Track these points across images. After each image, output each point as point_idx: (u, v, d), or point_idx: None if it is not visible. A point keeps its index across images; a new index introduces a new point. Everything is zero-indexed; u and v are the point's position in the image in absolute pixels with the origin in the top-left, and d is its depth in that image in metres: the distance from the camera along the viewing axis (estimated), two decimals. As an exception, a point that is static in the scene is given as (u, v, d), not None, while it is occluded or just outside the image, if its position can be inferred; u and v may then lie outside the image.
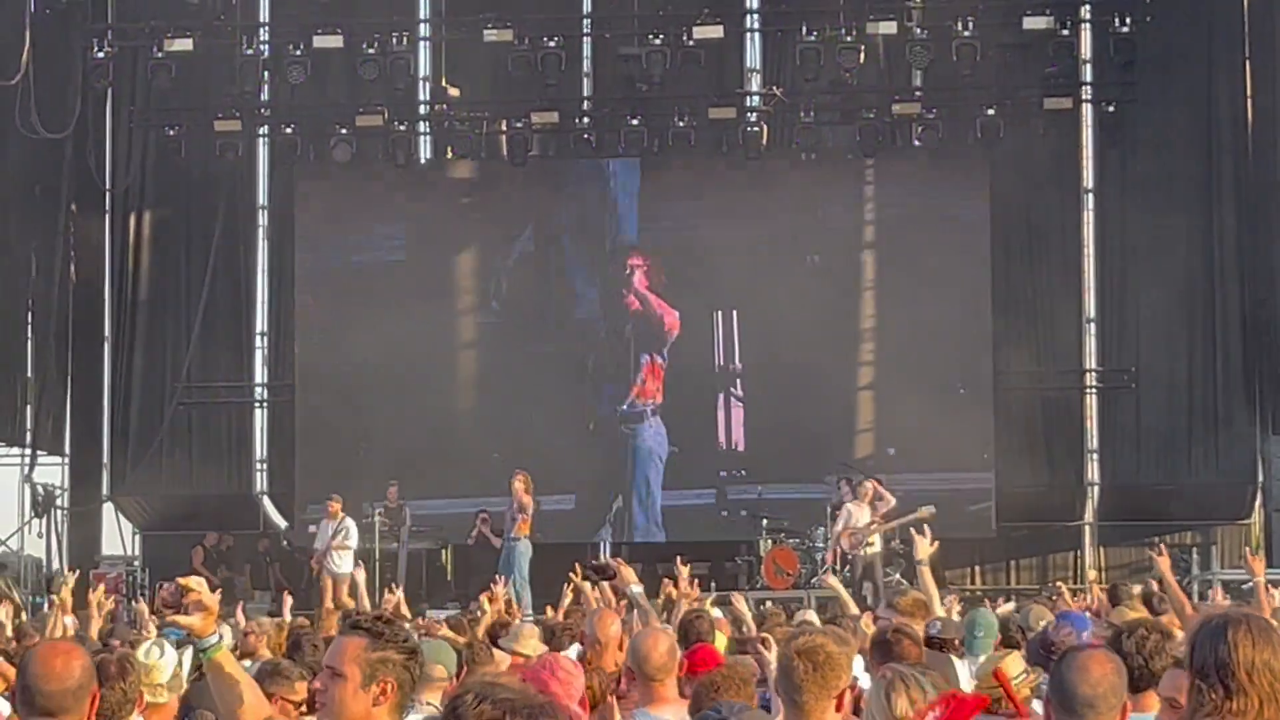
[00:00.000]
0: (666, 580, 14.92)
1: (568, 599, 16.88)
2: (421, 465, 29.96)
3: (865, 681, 7.83)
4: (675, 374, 30.50)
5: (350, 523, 26.38)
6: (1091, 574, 28.69)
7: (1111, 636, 7.42)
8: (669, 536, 29.56)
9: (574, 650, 11.89)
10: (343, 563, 25.84)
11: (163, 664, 8.70)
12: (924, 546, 12.22)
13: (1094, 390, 31.42)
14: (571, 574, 16.15)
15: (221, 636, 6.48)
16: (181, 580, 6.53)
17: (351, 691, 5.66)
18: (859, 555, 25.64)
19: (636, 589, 12.51)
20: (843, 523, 26.23)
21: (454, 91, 31.38)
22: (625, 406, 30.61)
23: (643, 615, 12.04)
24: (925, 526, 12.63)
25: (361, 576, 21.69)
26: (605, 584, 14.27)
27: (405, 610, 15.10)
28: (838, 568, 25.08)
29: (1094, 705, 5.45)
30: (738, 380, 30.60)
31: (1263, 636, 4.99)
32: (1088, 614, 13.49)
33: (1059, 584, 21.42)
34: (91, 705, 5.86)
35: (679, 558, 14.93)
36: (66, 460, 32.52)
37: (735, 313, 30.41)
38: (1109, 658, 5.64)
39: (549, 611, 17.93)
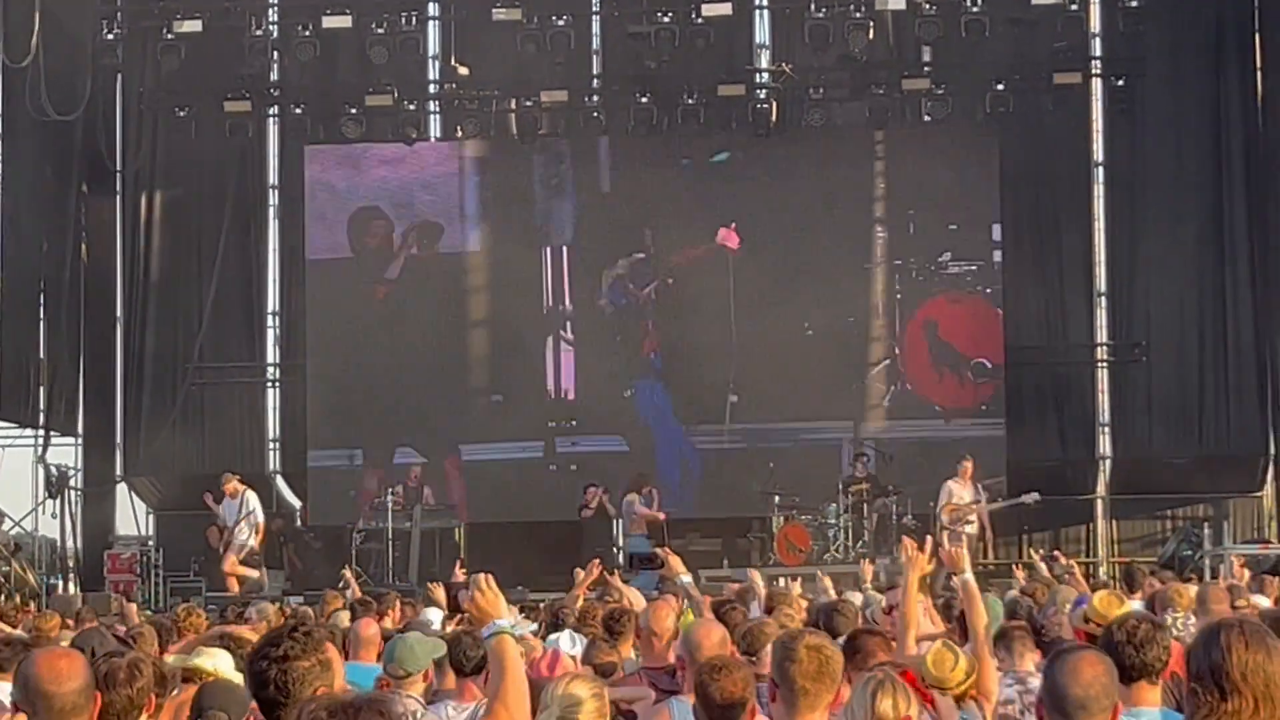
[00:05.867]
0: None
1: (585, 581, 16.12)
2: (434, 432, 30.47)
3: None
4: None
5: (251, 495, 26.79)
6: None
7: (1103, 632, 7.51)
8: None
9: (565, 635, 11.80)
10: (243, 535, 26.62)
11: (222, 672, 8.67)
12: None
13: (1105, 364, 31.42)
14: (595, 569, 15.52)
15: (514, 625, 6.45)
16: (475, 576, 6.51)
17: None
18: (960, 533, 25.53)
19: (685, 579, 12.41)
20: (944, 499, 26.22)
21: (463, 71, 31.37)
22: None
23: (694, 606, 11.97)
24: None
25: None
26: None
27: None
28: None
29: (1086, 707, 5.53)
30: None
31: (1256, 640, 5.12)
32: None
33: (1070, 561, 21.03)
34: (95, 708, 5.92)
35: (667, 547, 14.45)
36: (79, 441, 32.59)
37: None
38: (1099, 658, 5.73)
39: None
